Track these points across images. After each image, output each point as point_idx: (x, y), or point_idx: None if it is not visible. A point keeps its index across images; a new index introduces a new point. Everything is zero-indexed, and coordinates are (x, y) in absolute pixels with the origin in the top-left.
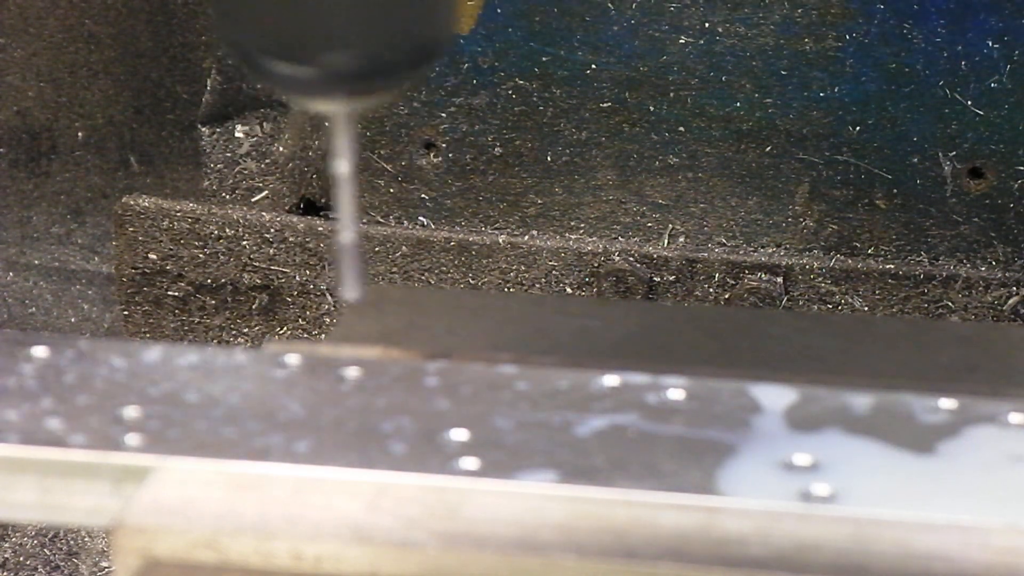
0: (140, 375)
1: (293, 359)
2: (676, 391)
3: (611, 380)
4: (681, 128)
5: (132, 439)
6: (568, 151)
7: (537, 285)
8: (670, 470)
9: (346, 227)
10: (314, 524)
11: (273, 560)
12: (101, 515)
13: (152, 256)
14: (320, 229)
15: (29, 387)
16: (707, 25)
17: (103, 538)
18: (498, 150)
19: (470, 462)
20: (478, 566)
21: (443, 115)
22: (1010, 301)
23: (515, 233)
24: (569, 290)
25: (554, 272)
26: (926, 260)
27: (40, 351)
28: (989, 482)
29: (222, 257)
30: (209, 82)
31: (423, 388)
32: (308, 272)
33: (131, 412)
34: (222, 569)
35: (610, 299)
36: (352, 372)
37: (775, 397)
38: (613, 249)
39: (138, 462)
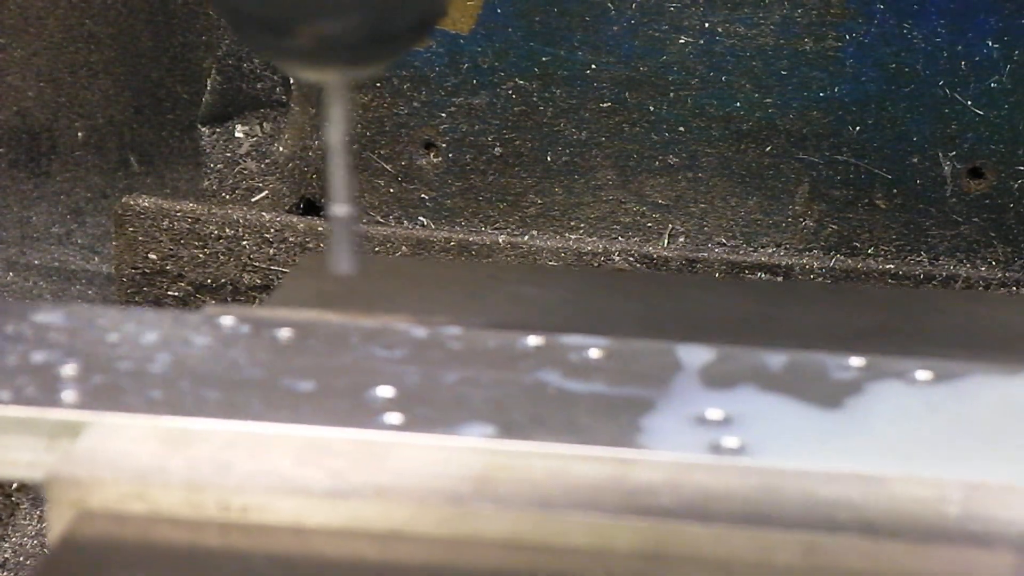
0: (78, 335)
1: (228, 320)
2: (597, 350)
3: (535, 340)
4: (681, 128)
5: (68, 396)
6: (568, 151)
7: None
8: (587, 425)
9: (339, 199)
10: (242, 476)
11: (201, 511)
12: (37, 469)
13: (152, 256)
14: (320, 229)
15: None
16: (707, 25)
17: None
18: (498, 150)
19: (395, 417)
20: (399, 516)
21: (443, 115)
22: None
23: (515, 233)
24: None
25: None
26: (926, 260)
27: None
28: (892, 435)
29: (222, 257)
30: (209, 82)
31: (353, 347)
32: None
33: (68, 370)
34: (152, 519)
35: (542, 265)
36: (285, 333)
37: (693, 356)
38: (613, 249)
39: (73, 418)
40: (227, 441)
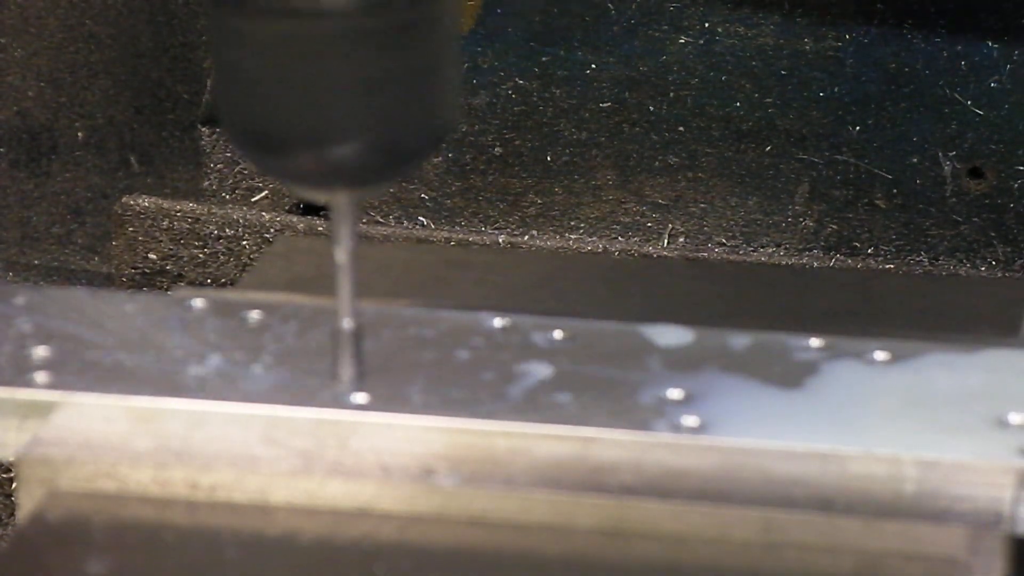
0: (51, 317)
1: (199, 302)
2: (562, 331)
3: (500, 321)
4: (681, 128)
5: (40, 376)
6: (568, 151)
7: None
8: (550, 403)
9: (344, 315)
10: (209, 455)
11: (170, 489)
12: (7, 449)
13: (152, 256)
14: (320, 229)
15: None
16: (707, 25)
17: None
18: (498, 150)
19: (360, 397)
20: (364, 494)
21: None
22: None
23: (515, 233)
24: None
25: None
26: (926, 260)
27: None
28: (849, 413)
29: (222, 257)
30: (209, 82)
31: (321, 329)
32: None
33: (40, 352)
34: (122, 498)
35: (507, 248)
36: (254, 314)
37: (657, 337)
38: (613, 249)
39: (44, 398)
40: (195, 420)
